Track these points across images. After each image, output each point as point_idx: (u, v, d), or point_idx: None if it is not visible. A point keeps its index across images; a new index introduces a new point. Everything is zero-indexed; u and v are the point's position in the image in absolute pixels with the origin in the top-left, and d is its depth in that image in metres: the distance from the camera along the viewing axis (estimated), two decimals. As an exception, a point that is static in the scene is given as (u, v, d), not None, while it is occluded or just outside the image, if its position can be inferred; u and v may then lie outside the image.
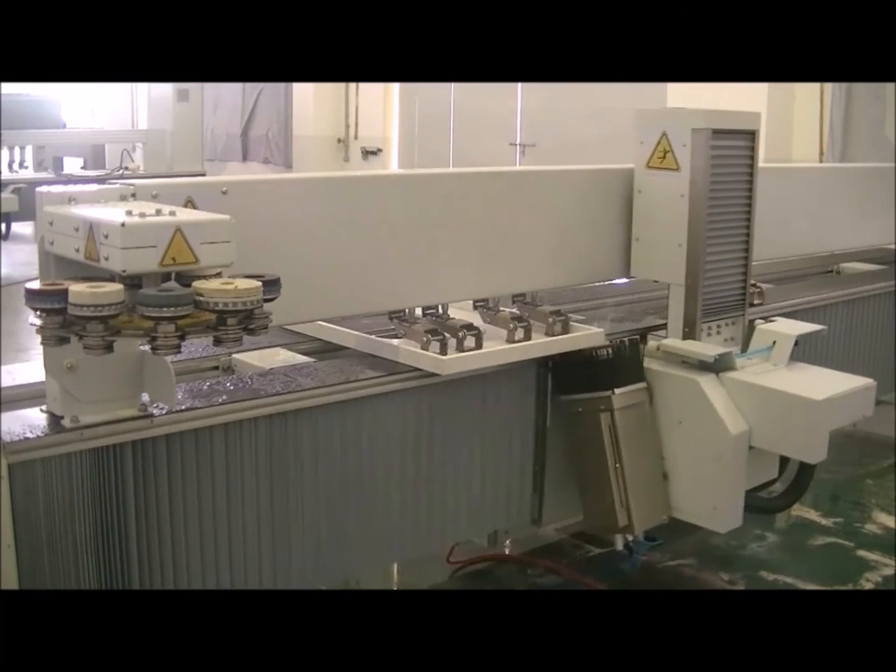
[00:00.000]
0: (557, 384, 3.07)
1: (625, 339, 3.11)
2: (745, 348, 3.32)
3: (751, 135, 3.25)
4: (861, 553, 3.92)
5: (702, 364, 3.07)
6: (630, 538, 3.14)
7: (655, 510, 3.10)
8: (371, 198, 2.75)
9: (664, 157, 3.15)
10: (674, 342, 3.20)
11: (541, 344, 2.99)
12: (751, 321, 3.38)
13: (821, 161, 7.11)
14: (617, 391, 2.99)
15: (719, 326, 3.31)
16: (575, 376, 3.04)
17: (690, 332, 3.21)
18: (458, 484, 2.91)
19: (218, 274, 2.06)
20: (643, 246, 3.30)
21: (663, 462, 3.12)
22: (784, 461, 3.28)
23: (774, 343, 3.25)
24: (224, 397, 2.41)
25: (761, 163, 3.33)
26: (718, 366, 3.07)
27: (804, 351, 3.96)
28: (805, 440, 2.99)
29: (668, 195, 3.16)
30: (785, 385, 3.03)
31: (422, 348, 2.80)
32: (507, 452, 3.04)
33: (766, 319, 3.41)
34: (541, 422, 3.09)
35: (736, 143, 3.21)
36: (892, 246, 4.80)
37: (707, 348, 3.13)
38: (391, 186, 2.87)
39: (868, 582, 3.68)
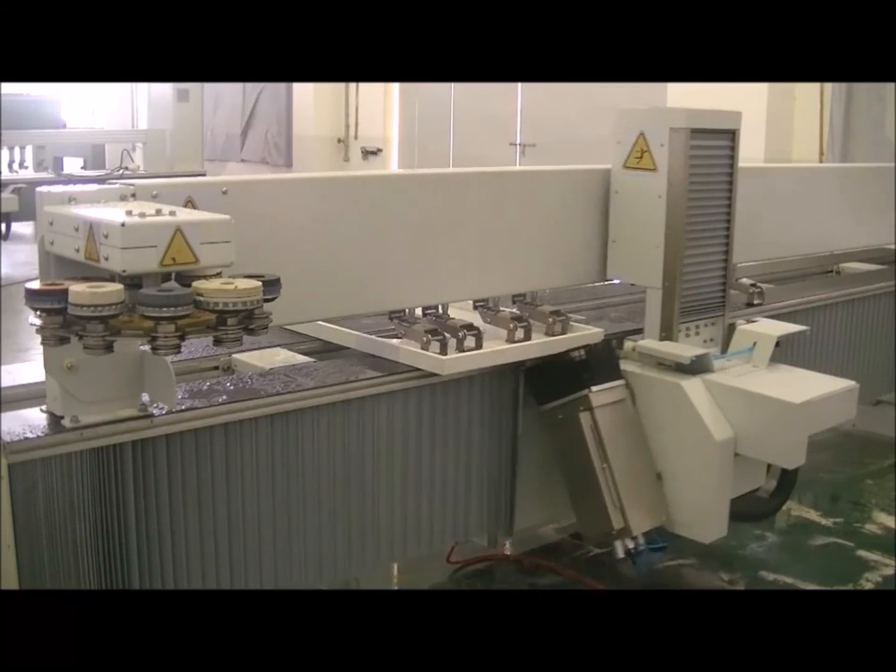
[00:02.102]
0: (535, 394, 2.99)
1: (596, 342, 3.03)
2: (725, 349, 3.25)
3: (731, 135, 3.18)
4: (861, 552, 3.92)
5: (679, 366, 3.00)
6: (631, 544, 2.94)
7: (653, 510, 2.99)
8: (371, 198, 2.75)
9: (641, 157, 3.08)
10: (650, 342, 3.12)
11: (541, 344, 2.99)
12: (731, 323, 3.30)
13: (821, 161, 7.11)
14: (594, 389, 2.92)
15: (697, 326, 3.23)
16: (551, 384, 2.97)
17: (667, 334, 3.13)
18: (459, 484, 2.91)
19: (218, 274, 2.06)
20: (620, 248, 3.22)
21: (654, 462, 3.03)
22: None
23: (754, 344, 3.17)
24: (224, 397, 2.41)
25: (761, 164, 3.33)
26: (694, 368, 2.99)
27: (804, 351, 3.98)
28: (783, 444, 2.90)
29: (646, 196, 3.09)
30: (762, 388, 2.94)
31: (422, 348, 2.80)
32: (507, 452, 3.02)
33: (748, 320, 3.33)
34: (513, 428, 3.01)
35: (716, 142, 3.15)
36: (892, 246, 4.80)
37: (683, 349, 3.04)
38: (391, 186, 2.87)
39: (868, 582, 3.67)
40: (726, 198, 3.21)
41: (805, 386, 2.99)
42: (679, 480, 2.97)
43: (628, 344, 3.14)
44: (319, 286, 2.63)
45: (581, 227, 3.21)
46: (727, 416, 2.93)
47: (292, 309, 2.42)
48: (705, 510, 2.95)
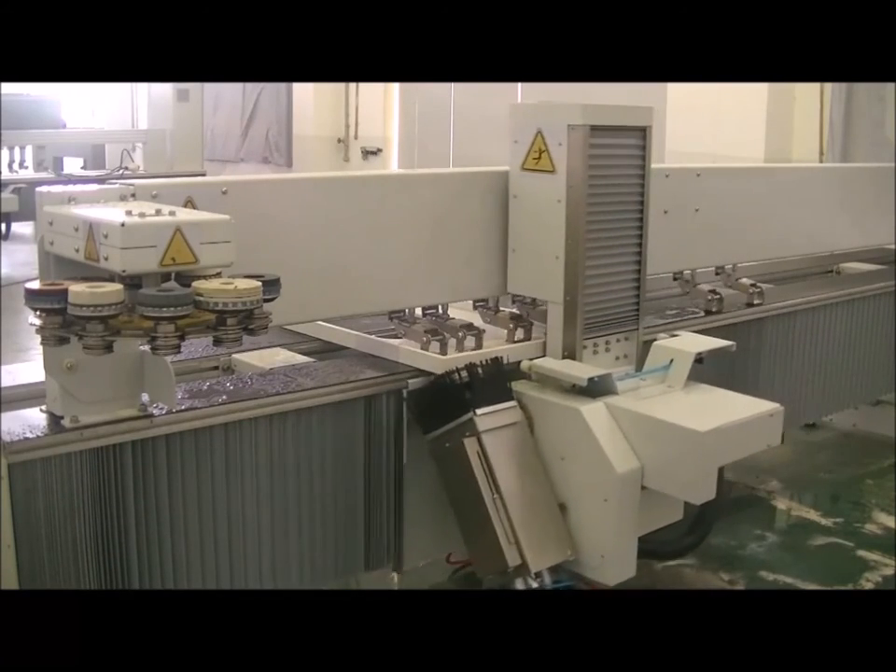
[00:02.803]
0: (419, 422, 2.69)
1: (480, 359, 2.71)
2: (640, 367, 2.95)
3: (641, 132, 2.90)
4: (861, 552, 3.92)
5: (577, 388, 2.69)
6: (533, 583, 2.58)
7: (555, 545, 2.64)
8: (371, 198, 2.75)
9: (539, 157, 2.82)
10: (545, 361, 2.82)
11: (541, 344, 2.99)
12: (651, 339, 2.99)
13: (821, 161, 7.11)
14: (479, 412, 2.60)
15: (608, 342, 2.96)
16: (434, 410, 2.66)
17: (569, 353, 2.86)
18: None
19: (218, 274, 2.06)
20: (519, 258, 2.94)
21: (556, 492, 2.69)
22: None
23: (671, 361, 2.84)
24: (224, 397, 2.41)
25: (760, 163, 3.31)
26: (594, 390, 2.68)
27: (804, 351, 3.98)
28: (689, 475, 2.57)
29: (545, 200, 2.82)
30: (667, 414, 2.62)
31: (422, 348, 2.80)
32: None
33: (670, 334, 3.03)
34: (398, 458, 2.74)
35: (623, 140, 2.88)
36: (892, 246, 4.80)
37: (581, 369, 2.74)
38: (391, 186, 2.87)
39: (868, 582, 3.67)
40: (637, 202, 2.94)
41: (719, 411, 2.68)
42: (582, 514, 2.66)
43: (524, 364, 2.82)
44: (319, 286, 2.63)
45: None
46: (633, 445, 2.63)
47: (292, 309, 2.43)
48: (609, 548, 2.63)
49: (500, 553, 2.55)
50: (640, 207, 2.96)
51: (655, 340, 2.97)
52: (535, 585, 2.58)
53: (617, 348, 2.99)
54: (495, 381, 2.69)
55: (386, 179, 3.06)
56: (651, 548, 2.80)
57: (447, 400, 2.64)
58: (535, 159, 2.83)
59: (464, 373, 2.64)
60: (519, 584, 2.59)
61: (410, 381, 2.71)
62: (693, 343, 2.95)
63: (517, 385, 2.77)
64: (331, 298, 2.69)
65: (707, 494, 2.59)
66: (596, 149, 2.79)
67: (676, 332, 3.06)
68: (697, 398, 2.80)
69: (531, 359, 2.84)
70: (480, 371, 2.66)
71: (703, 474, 2.57)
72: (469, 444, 2.58)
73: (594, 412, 2.65)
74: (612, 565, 2.64)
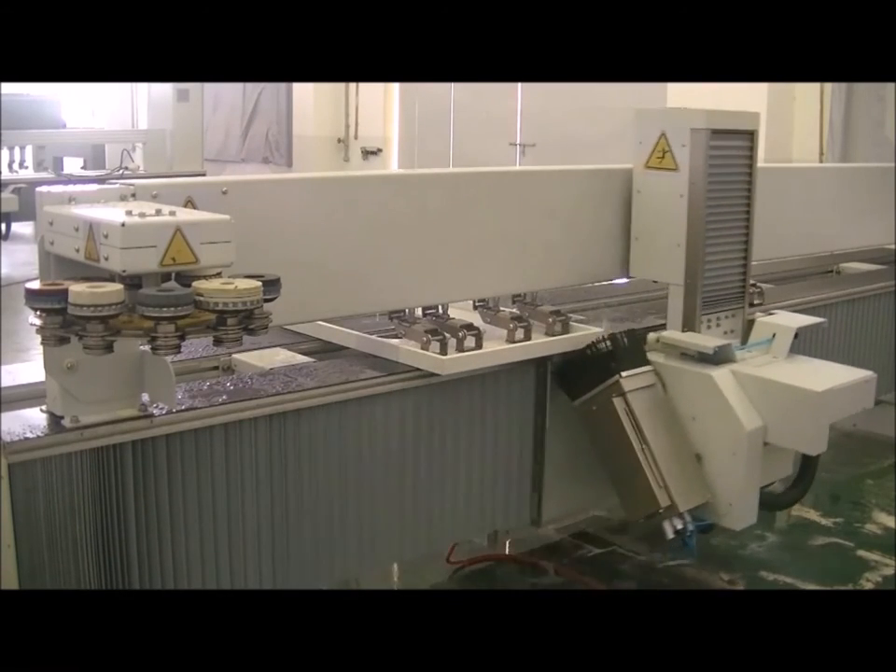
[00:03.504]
0: (566, 391, 3.04)
1: (622, 330, 3.08)
2: (744, 341, 3.30)
3: (750, 135, 3.25)
4: (861, 552, 3.92)
5: (702, 356, 3.05)
6: (679, 524, 2.93)
7: (696, 488, 3.00)
8: (371, 198, 2.75)
9: (662, 157, 3.16)
10: (673, 333, 3.18)
11: (541, 344, 2.99)
12: (750, 320, 3.35)
13: (821, 161, 7.11)
14: (624, 374, 2.96)
15: (718, 318, 3.29)
16: (581, 378, 3.02)
17: (689, 327, 3.20)
18: (458, 484, 2.91)
19: (218, 274, 2.06)
20: (642, 246, 3.30)
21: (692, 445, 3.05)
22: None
23: (773, 335, 3.22)
24: (224, 397, 2.41)
25: (760, 163, 3.32)
26: (718, 358, 3.04)
27: (805, 350, 3.97)
28: (806, 430, 2.96)
29: (667, 195, 3.16)
30: (785, 377, 2.99)
31: (422, 348, 2.80)
32: (506, 452, 3.03)
33: (767, 312, 3.39)
34: (540, 422, 3.07)
35: (735, 143, 3.21)
36: (892, 246, 4.80)
37: (706, 340, 3.10)
38: (391, 186, 2.87)
39: (868, 582, 3.68)
40: (745, 196, 3.27)
41: (825, 376, 3.05)
42: (712, 467, 3.02)
43: (652, 336, 3.17)
44: (319, 286, 2.63)
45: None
46: (756, 406, 2.98)
47: (292, 309, 2.42)
48: (736, 497, 2.98)
49: (652, 496, 2.90)
50: (748, 201, 3.29)
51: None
52: (680, 527, 2.92)
53: (725, 324, 3.33)
54: (633, 349, 3.05)
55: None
56: (763, 499, 3.10)
57: (593, 369, 2.98)
58: (658, 158, 3.17)
59: (607, 343, 2.98)
60: (667, 527, 2.93)
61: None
62: (790, 319, 3.32)
63: (651, 355, 3.10)
64: (331, 298, 2.69)
65: (820, 446, 2.97)
66: (714, 150, 3.11)
67: (772, 311, 3.43)
68: (801, 366, 3.16)
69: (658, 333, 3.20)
70: (623, 340, 3.00)
71: (818, 429, 2.94)
72: (618, 403, 2.94)
73: (723, 377, 2.99)
74: (739, 512, 3.00)
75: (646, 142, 3.19)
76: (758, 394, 2.99)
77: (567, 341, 3.05)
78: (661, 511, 2.92)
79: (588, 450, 3.07)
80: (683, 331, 3.20)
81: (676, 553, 3.60)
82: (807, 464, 3.32)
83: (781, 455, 3.12)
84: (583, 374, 3.02)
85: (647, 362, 3.07)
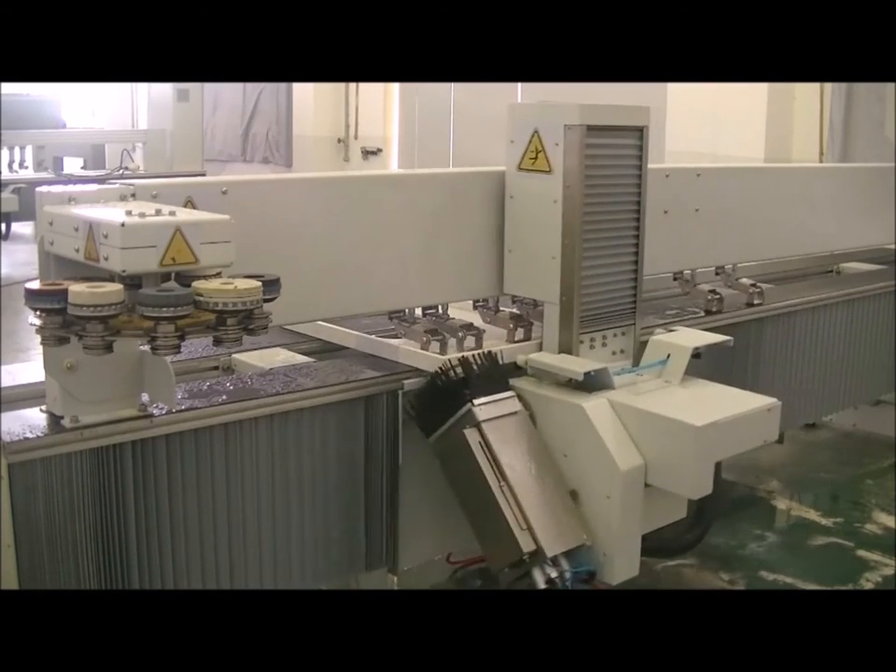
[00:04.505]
0: (421, 426, 2.67)
1: (474, 353, 2.72)
2: (638, 362, 2.95)
3: (638, 132, 2.89)
4: (861, 552, 3.92)
5: (574, 383, 2.68)
6: (552, 572, 2.50)
7: (570, 529, 2.58)
8: (371, 198, 2.75)
9: (535, 157, 2.82)
10: (541, 355, 2.82)
11: (539, 344, 2.99)
12: (645, 341, 2.97)
13: (821, 161, 7.11)
14: (477, 402, 2.59)
15: (605, 337, 2.93)
16: (433, 409, 2.65)
17: (566, 350, 2.85)
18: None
19: (218, 274, 2.06)
20: (516, 259, 2.94)
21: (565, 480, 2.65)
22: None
23: (668, 356, 2.84)
24: (224, 397, 2.41)
25: (761, 163, 3.31)
26: (590, 384, 2.67)
27: (804, 351, 3.98)
28: (685, 470, 2.56)
29: (541, 200, 2.82)
30: (664, 408, 2.61)
31: (422, 348, 2.80)
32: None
33: (667, 329, 3.02)
34: (394, 459, 2.71)
35: (620, 140, 2.86)
36: (892, 246, 4.81)
37: (577, 363, 2.73)
38: (391, 186, 2.87)
39: (868, 582, 3.68)
40: (634, 201, 2.93)
41: (715, 406, 2.67)
42: (589, 507, 2.63)
43: (520, 358, 2.83)
44: (319, 286, 2.63)
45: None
46: (635, 441, 2.61)
47: (292, 309, 2.43)
48: (613, 546, 2.60)
49: (514, 541, 2.49)
50: (637, 206, 2.94)
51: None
52: (554, 575, 2.51)
53: (614, 343, 2.97)
54: (491, 375, 2.69)
55: (384, 179, 3.06)
56: (651, 546, 2.77)
57: (445, 397, 2.63)
58: (531, 159, 2.83)
59: (459, 369, 2.63)
60: (538, 576, 2.51)
61: (405, 381, 2.70)
62: (690, 337, 2.94)
63: (515, 382, 2.76)
64: (331, 298, 2.69)
65: (704, 489, 2.59)
66: (593, 149, 2.79)
67: (673, 328, 3.05)
68: (694, 392, 2.78)
69: (526, 353, 2.85)
70: (475, 365, 2.65)
71: (699, 469, 2.56)
72: (470, 435, 2.56)
73: (596, 408, 2.63)
74: (616, 562, 2.62)
75: (518, 140, 2.85)
76: (637, 427, 2.61)
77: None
78: (525, 557, 2.49)
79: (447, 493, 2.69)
80: (560, 352, 2.85)
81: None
82: (703, 506, 2.91)
83: (671, 496, 2.71)
84: (435, 405, 2.65)
85: (507, 388, 2.71)
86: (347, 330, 2.97)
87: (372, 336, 2.93)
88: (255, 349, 2.85)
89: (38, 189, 2.18)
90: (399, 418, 2.69)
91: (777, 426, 2.77)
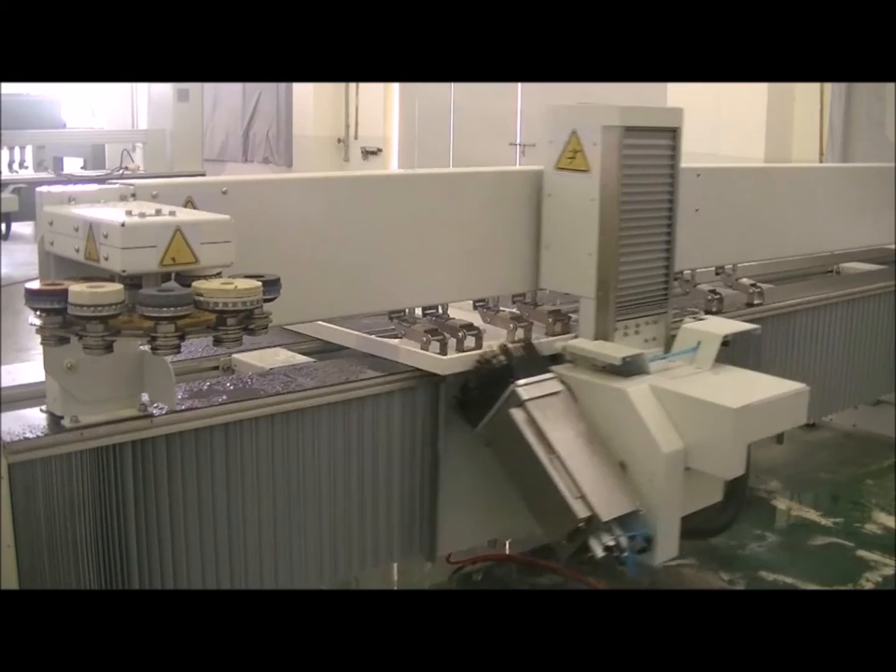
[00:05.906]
0: (467, 419, 2.75)
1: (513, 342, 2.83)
2: (669, 349, 3.03)
3: (672, 133, 2.98)
4: (861, 552, 3.92)
5: (611, 367, 2.76)
6: (609, 540, 2.55)
7: (623, 495, 2.64)
8: (371, 198, 2.75)
9: (573, 157, 2.89)
10: (580, 342, 2.90)
11: (540, 345, 2.99)
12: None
13: (821, 161, 7.11)
14: (519, 383, 2.68)
15: (637, 325, 3.01)
16: (480, 401, 2.73)
17: (601, 337, 2.93)
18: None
19: (218, 274, 2.06)
20: (553, 255, 3.02)
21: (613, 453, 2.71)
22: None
23: (699, 343, 2.92)
24: (224, 397, 2.41)
25: (761, 163, 3.31)
26: (627, 370, 2.75)
27: (804, 351, 3.98)
28: (721, 452, 2.64)
29: (578, 198, 2.90)
30: (700, 392, 2.69)
31: (422, 348, 2.80)
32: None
33: (696, 318, 3.12)
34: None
35: (654, 141, 2.95)
36: (892, 246, 4.81)
37: (614, 349, 2.81)
38: (391, 186, 2.87)
39: (868, 582, 3.68)
40: (667, 199, 3.02)
41: (747, 390, 2.76)
42: (637, 478, 2.69)
43: (558, 344, 2.92)
44: (319, 286, 2.63)
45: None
46: (675, 425, 2.68)
47: (292, 309, 2.42)
48: (655, 527, 2.66)
49: (568, 509, 2.55)
50: (670, 204, 3.04)
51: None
52: (611, 543, 2.55)
53: (647, 331, 3.06)
54: (533, 362, 2.78)
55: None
56: (687, 528, 2.82)
57: (490, 387, 2.70)
58: (569, 158, 2.92)
59: (501, 357, 2.72)
60: (595, 545, 2.55)
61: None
62: (720, 325, 3.03)
63: (555, 368, 2.84)
64: (331, 298, 2.69)
65: (738, 469, 2.68)
66: (629, 150, 2.87)
67: (701, 317, 3.14)
68: (726, 378, 2.87)
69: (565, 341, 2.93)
70: (515, 351, 2.75)
71: (734, 450, 2.64)
72: (517, 414, 2.64)
73: (639, 392, 2.70)
74: (658, 544, 2.67)
75: (556, 141, 2.92)
76: (676, 411, 2.68)
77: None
78: (581, 524, 2.54)
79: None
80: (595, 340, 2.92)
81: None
82: (733, 487, 2.98)
83: (708, 479, 2.79)
84: (480, 395, 2.73)
85: (548, 372, 2.79)
86: (347, 330, 2.97)
87: (372, 336, 2.93)
88: (255, 349, 2.85)
89: (38, 189, 2.18)
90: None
91: (805, 410, 2.86)
